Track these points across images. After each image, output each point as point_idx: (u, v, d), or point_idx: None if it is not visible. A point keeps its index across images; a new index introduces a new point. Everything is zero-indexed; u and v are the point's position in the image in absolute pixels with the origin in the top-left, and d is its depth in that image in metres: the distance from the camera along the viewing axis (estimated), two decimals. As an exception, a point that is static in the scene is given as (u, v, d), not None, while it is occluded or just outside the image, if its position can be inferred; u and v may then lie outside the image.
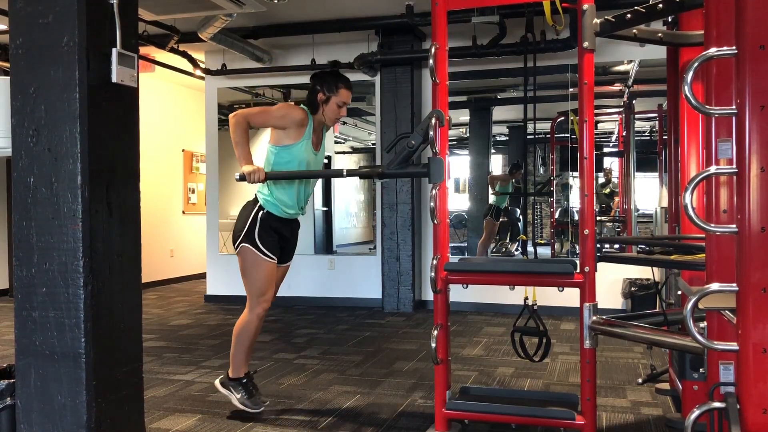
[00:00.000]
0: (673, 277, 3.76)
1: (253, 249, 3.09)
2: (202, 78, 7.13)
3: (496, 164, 7.65)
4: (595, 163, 2.62)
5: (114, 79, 2.31)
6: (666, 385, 3.35)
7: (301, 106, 3.14)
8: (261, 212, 3.11)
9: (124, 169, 2.42)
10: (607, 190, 7.42)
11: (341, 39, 6.39)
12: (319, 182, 7.66)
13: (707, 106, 1.71)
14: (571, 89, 6.15)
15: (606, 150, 7.45)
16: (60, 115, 2.25)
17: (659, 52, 4.50)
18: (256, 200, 3.15)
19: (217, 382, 3.26)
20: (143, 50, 6.27)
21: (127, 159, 2.44)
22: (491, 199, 7.10)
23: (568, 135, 6.62)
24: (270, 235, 3.11)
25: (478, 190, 7.07)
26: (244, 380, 3.17)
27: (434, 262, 2.71)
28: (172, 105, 8.70)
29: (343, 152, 8.35)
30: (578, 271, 2.59)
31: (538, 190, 7.02)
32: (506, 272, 2.83)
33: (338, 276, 6.77)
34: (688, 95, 1.50)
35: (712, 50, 1.54)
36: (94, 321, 2.26)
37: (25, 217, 2.30)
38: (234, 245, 3.14)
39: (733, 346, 1.49)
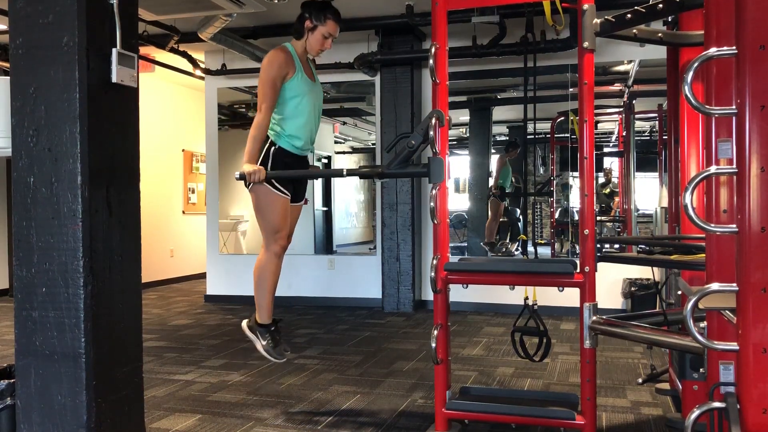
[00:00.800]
0: (673, 277, 3.76)
1: (266, 185, 3.04)
2: (202, 78, 7.13)
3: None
4: (595, 163, 2.62)
5: (114, 79, 2.31)
6: (666, 385, 3.35)
7: (280, 45, 3.12)
8: (273, 147, 3.09)
9: (124, 169, 2.42)
10: (607, 190, 7.42)
11: (341, 39, 6.32)
12: (319, 182, 7.66)
13: (707, 106, 1.71)
14: (571, 89, 6.15)
15: (606, 150, 7.45)
16: (60, 115, 2.25)
17: (659, 52, 4.50)
18: (266, 137, 3.12)
19: (244, 324, 3.21)
20: (143, 50, 6.27)
21: (127, 159, 2.44)
22: (495, 183, 7.07)
23: (568, 135, 6.62)
24: (283, 170, 3.09)
25: (478, 190, 7.07)
26: (272, 328, 3.15)
27: (434, 262, 2.71)
28: (172, 105, 8.70)
29: (343, 152, 8.35)
30: (578, 271, 2.59)
31: (538, 190, 7.02)
32: (506, 272, 2.83)
33: (338, 276, 6.77)
34: (688, 95, 1.50)
35: (712, 50, 1.54)
36: (94, 321, 2.26)
37: (25, 217, 2.30)
38: (246, 184, 3.07)
39: (733, 346, 1.49)
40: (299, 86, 3.10)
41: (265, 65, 3.06)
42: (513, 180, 7.14)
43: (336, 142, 7.92)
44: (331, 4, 3.21)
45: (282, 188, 3.07)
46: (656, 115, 6.35)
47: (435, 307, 2.78)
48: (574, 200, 6.88)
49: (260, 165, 3.03)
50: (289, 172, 3.09)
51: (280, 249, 3.11)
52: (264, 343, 3.13)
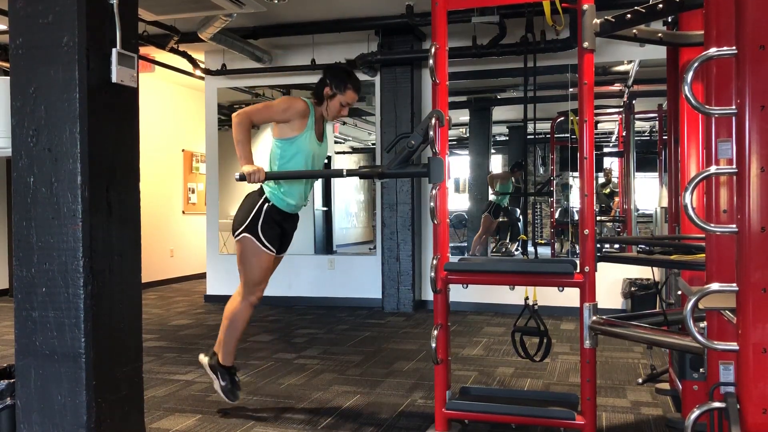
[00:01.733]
0: (673, 277, 3.76)
1: (254, 240, 3.09)
2: (202, 78, 7.13)
3: (496, 164, 7.64)
4: (595, 163, 2.62)
5: (114, 79, 2.31)
6: (666, 385, 3.35)
7: (302, 98, 3.15)
8: (266, 204, 3.11)
9: (124, 169, 2.42)
10: (607, 190, 7.42)
11: (341, 39, 6.40)
12: (319, 182, 7.66)
13: (707, 106, 1.71)
14: (571, 89, 6.15)
15: (606, 150, 7.45)
16: (60, 115, 2.25)
17: (659, 52, 4.50)
18: (261, 191, 3.15)
19: (204, 360, 3.26)
20: (143, 50, 6.27)
21: (127, 159, 2.44)
22: (492, 197, 7.09)
23: (568, 135, 6.62)
24: (272, 227, 3.13)
25: (478, 190, 7.07)
26: (233, 370, 3.21)
27: (434, 262, 2.71)
28: (172, 105, 8.70)
29: (343, 152, 8.34)
30: (578, 271, 2.59)
31: (538, 190, 7.02)
32: (506, 272, 2.83)
33: (338, 276, 6.77)
34: (688, 95, 1.50)
35: (712, 50, 1.54)
36: (94, 321, 2.26)
37: (25, 217, 2.30)
38: (234, 234, 3.14)
39: (733, 346, 1.49)
40: (305, 145, 3.12)
41: (283, 100, 3.14)
42: (507, 204, 7.16)
43: (336, 142, 7.92)
44: (353, 72, 3.24)
45: (269, 245, 3.12)
46: (656, 115, 6.35)
47: (435, 307, 2.78)
48: (574, 200, 6.88)
49: (251, 219, 3.09)
50: (290, 172, 3.10)
51: (256, 300, 3.18)
52: (223, 384, 3.18)
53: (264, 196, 3.13)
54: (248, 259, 3.12)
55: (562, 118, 6.59)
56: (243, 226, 3.10)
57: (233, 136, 3.04)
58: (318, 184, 7.68)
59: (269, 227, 3.11)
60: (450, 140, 2.82)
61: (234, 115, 3.04)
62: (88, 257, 2.24)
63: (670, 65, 3.41)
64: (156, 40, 5.92)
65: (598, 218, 6.90)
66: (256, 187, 3.17)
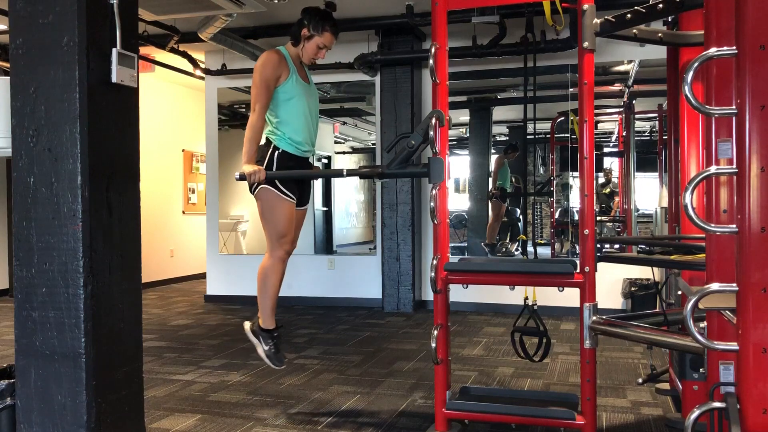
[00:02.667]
0: (673, 277, 3.76)
1: (273, 189, 3.04)
2: (202, 78, 7.13)
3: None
4: (595, 163, 2.62)
5: (114, 79, 2.31)
6: (666, 385, 3.35)
7: (274, 49, 3.13)
8: (276, 151, 3.09)
9: (124, 169, 2.42)
10: (607, 190, 7.42)
11: (341, 39, 6.30)
12: (319, 182, 7.66)
13: (707, 106, 1.71)
14: (571, 89, 6.15)
15: (606, 150, 7.45)
16: (60, 115, 2.25)
17: (659, 52, 4.50)
18: (268, 142, 3.12)
19: (246, 327, 3.21)
20: (143, 50, 6.27)
21: (127, 159, 2.44)
22: (494, 184, 7.07)
23: (568, 135, 6.62)
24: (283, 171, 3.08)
25: (478, 190, 7.07)
26: (275, 333, 3.15)
27: (434, 262, 2.71)
28: (172, 105, 8.70)
29: (343, 152, 8.35)
30: (578, 271, 2.59)
31: (538, 190, 7.02)
32: (506, 272, 2.83)
33: (338, 276, 6.77)
34: (688, 95, 1.50)
35: (712, 50, 1.54)
36: (94, 321, 2.26)
37: (25, 217, 2.30)
38: (251, 189, 3.06)
39: (733, 346, 1.49)
40: (293, 88, 3.11)
41: (258, 67, 3.06)
42: (513, 180, 7.14)
43: (336, 142, 7.92)
44: (332, 15, 3.21)
45: (288, 192, 3.07)
46: (656, 115, 6.35)
47: (435, 307, 2.78)
48: (574, 200, 6.88)
49: (265, 168, 3.03)
50: (290, 173, 3.09)
51: (284, 254, 3.11)
52: (266, 348, 3.13)
53: (272, 144, 3.10)
54: (269, 210, 3.06)
55: (562, 118, 6.59)
56: None
57: (246, 131, 3.01)
58: (318, 184, 7.68)
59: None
60: (450, 140, 2.82)
61: (252, 112, 3.02)
62: (88, 257, 2.24)
63: (670, 65, 3.41)
64: (156, 40, 5.92)
65: (598, 218, 6.90)
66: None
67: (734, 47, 1.49)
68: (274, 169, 3.05)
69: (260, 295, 3.13)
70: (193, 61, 6.57)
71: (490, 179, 7.06)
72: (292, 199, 3.09)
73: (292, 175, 3.09)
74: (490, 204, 6.94)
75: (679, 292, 3.41)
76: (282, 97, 3.10)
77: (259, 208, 3.09)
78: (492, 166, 7.15)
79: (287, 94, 3.10)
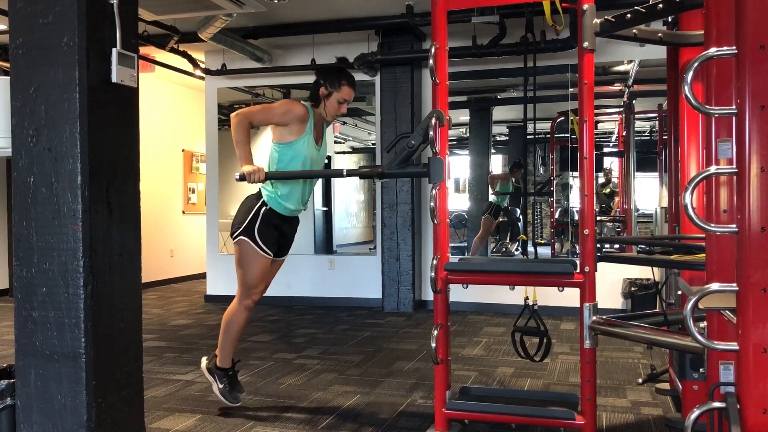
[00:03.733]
0: (673, 277, 3.76)
1: (251, 243, 3.10)
2: (202, 78, 7.13)
3: (496, 164, 7.65)
4: (595, 163, 2.62)
5: (114, 79, 2.31)
6: (666, 385, 3.35)
7: (302, 101, 3.15)
8: (264, 208, 3.12)
9: (124, 169, 2.42)
10: (607, 190, 7.42)
11: (341, 39, 6.39)
12: (319, 181, 7.67)
13: (707, 106, 1.71)
14: (571, 89, 6.15)
15: (606, 150, 7.45)
16: (60, 115, 2.25)
17: (659, 52, 4.50)
18: (259, 195, 3.16)
19: (203, 365, 3.28)
20: (143, 50, 6.27)
21: (127, 159, 2.44)
22: (492, 197, 7.10)
23: (568, 135, 6.62)
24: (270, 231, 3.13)
25: (478, 190, 7.07)
26: (230, 372, 3.23)
27: (434, 262, 2.71)
28: (172, 105, 8.70)
29: (343, 152, 8.35)
30: (578, 271, 2.59)
31: (538, 190, 7.02)
32: (506, 272, 2.83)
33: (338, 276, 6.77)
34: (688, 95, 1.50)
35: (712, 50, 1.54)
36: (94, 321, 2.26)
37: (25, 217, 2.30)
38: (232, 236, 3.15)
39: (733, 346, 1.49)
40: (303, 150, 3.12)
41: (282, 104, 3.11)
42: (507, 203, 7.16)
43: (336, 142, 7.92)
44: (345, 69, 3.24)
45: (266, 248, 3.13)
46: (656, 115, 6.35)
47: (435, 307, 2.78)
48: (574, 200, 6.88)
49: (249, 222, 3.10)
50: (289, 173, 3.10)
51: (251, 303, 3.19)
52: (221, 386, 3.20)
53: (262, 200, 3.13)
54: (245, 262, 3.13)
55: (562, 118, 6.59)
56: (240, 229, 3.11)
57: (232, 136, 3.04)
58: (318, 184, 7.68)
59: (267, 230, 3.12)
60: (450, 140, 2.82)
61: (233, 115, 3.04)
62: (88, 257, 2.24)
63: (670, 65, 3.41)
64: (156, 40, 5.92)
65: (598, 218, 6.90)
66: (255, 189, 3.17)
67: (734, 47, 1.49)
68: (258, 224, 3.10)
69: (222, 337, 3.21)
70: (193, 61, 6.57)
71: (490, 188, 7.07)
72: (269, 255, 3.14)
73: (291, 175, 3.10)
74: (482, 219, 6.94)
75: (679, 292, 3.41)
76: (287, 156, 3.11)
77: (235, 256, 3.17)
78: (493, 167, 7.16)
79: (294, 154, 3.11)
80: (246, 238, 3.10)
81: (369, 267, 6.68)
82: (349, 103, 3.22)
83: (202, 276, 8.29)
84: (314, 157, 3.18)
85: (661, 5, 2.67)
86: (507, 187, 7.19)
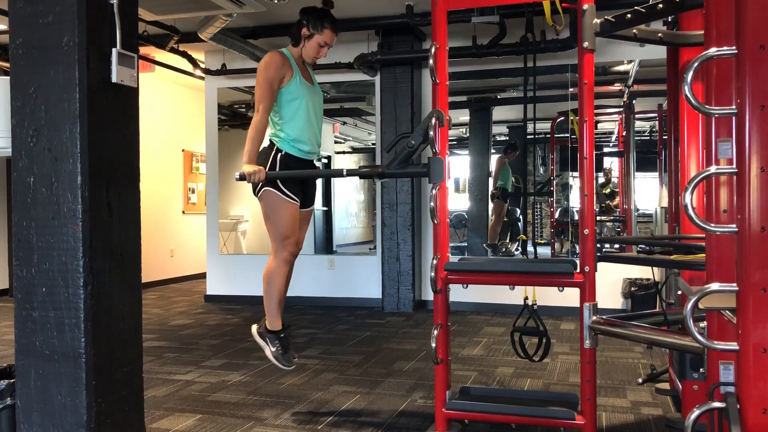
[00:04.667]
0: (673, 277, 3.76)
1: (276, 191, 3.04)
2: (202, 78, 7.13)
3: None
4: (595, 163, 2.62)
5: (114, 79, 2.31)
6: (666, 385, 3.35)
7: (275, 50, 3.13)
8: (279, 153, 3.09)
9: (124, 169, 2.42)
10: (607, 190, 7.42)
11: (341, 39, 6.33)
12: (319, 182, 7.66)
13: (707, 106, 1.71)
14: (571, 89, 6.15)
15: (606, 150, 7.45)
16: (60, 115, 2.25)
17: (659, 52, 4.50)
18: (272, 144, 3.13)
19: (254, 330, 3.22)
20: (143, 50, 6.27)
21: (127, 159, 2.44)
22: (497, 183, 7.08)
23: (568, 135, 6.62)
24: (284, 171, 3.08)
25: (478, 190, 7.07)
26: (282, 334, 3.15)
27: (434, 262, 2.71)
28: (172, 105, 8.70)
29: (343, 152, 8.35)
30: (578, 271, 2.59)
31: (538, 190, 7.02)
32: (506, 272, 2.83)
33: (338, 276, 6.77)
34: (688, 95, 1.50)
35: (712, 50, 1.54)
36: (94, 321, 2.26)
37: (25, 217, 2.30)
38: (254, 192, 3.08)
39: (733, 346, 1.49)
40: (297, 89, 3.11)
41: (261, 67, 3.06)
42: (513, 180, 7.15)
43: (336, 142, 7.92)
44: (330, 12, 3.21)
45: (291, 194, 3.07)
46: (656, 115, 6.35)
47: (435, 307, 2.78)
48: (574, 200, 6.88)
49: (268, 170, 3.04)
50: (290, 173, 3.09)
51: (289, 255, 3.11)
52: (273, 349, 3.13)
53: (275, 147, 3.10)
54: (273, 212, 3.06)
55: (562, 118, 6.59)
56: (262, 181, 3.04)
57: (249, 130, 3.01)
58: (318, 184, 7.68)
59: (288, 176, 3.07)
60: (450, 140, 2.82)
61: (256, 112, 3.02)
62: (88, 257, 2.24)
63: (670, 65, 3.41)
64: (156, 40, 5.92)
65: (598, 218, 6.90)
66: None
67: (734, 47, 1.49)
68: (277, 170, 3.05)
69: (266, 296, 3.14)
70: (193, 61, 6.57)
71: (491, 180, 7.07)
72: (295, 200, 3.09)
73: (292, 175, 3.09)
74: (491, 205, 6.94)
75: (679, 292, 3.41)
76: (285, 99, 3.10)
77: (262, 210, 3.10)
78: (492, 167, 7.16)
79: (291, 96, 3.10)
80: (270, 188, 3.03)
81: (369, 267, 6.68)
82: (329, 47, 3.18)
83: (202, 276, 8.29)
84: (310, 94, 3.15)
85: (661, 5, 2.67)
86: (507, 170, 7.16)
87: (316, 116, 3.22)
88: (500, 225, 7.00)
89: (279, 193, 3.05)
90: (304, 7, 3.18)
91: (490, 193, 6.98)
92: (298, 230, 3.17)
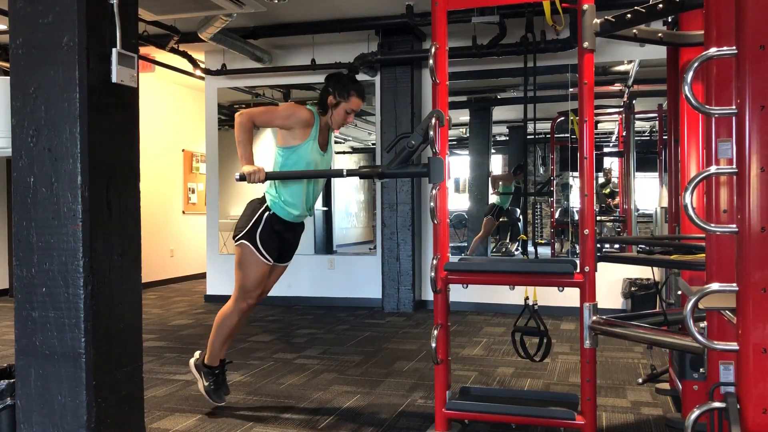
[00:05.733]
0: (673, 277, 3.77)
1: (252, 247, 3.09)
2: (202, 78, 7.13)
3: (496, 164, 7.65)
4: (595, 163, 2.62)
5: (114, 79, 2.31)
6: (666, 385, 3.35)
7: (308, 106, 3.14)
8: (267, 213, 3.11)
9: (124, 169, 2.42)
10: (607, 190, 7.42)
11: (341, 39, 6.39)
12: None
13: (707, 106, 1.71)
14: (571, 89, 6.15)
15: (606, 150, 7.45)
16: (60, 115, 2.25)
17: (659, 52, 4.50)
18: (263, 199, 3.15)
19: (191, 361, 3.28)
20: (143, 50, 6.27)
21: (127, 159, 2.44)
22: (494, 198, 7.10)
23: (568, 135, 6.62)
24: (271, 237, 3.12)
25: (478, 190, 7.07)
26: (217, 371, 3.22)
27: (434, 262, 2.71)
28: (172, 105, 8.70)
29: (343, 152, 8.35)
30: (578, 271, 2.59)
31: (538, 190, 7.02)
32: (506, 272, 2.83)
33: (338, 276, 6.77)
34: (688, 95, 1.50)
35: (712, 50, 1.54)
36: (94, 321, 2.26)
37: (25, 217, 2.30)
38: (234, 238, 3.14)
39: (733, 346, 1.49)
40: (307, 155, 3.10)
41: (287, 107, 3.10)
42: (508, 206, 7.18)
43: (336, 142, 7.92)
44: (355, 78, 3.22)
45: (266, 254, 3.11)
46: (656, 115, 6.35)
47: (435, 307, 2.78)
48: (574, 200, 6.88)
49: (251, 227, 3.08)
50: (292, 173, 3.09)
51: (246, 307, 3.17)
52: (206, 383, 3.21)
53: (266, 204, 3.12)
54: (244, 265, 3.12)
55: (562, 118, 6.60)
56: (242, 233, 3.10)
57: (235, 135, 3.02)
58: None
59: (268, 236, 3.10)
60: (450, 140, 2.82)
61: (237, 114, 3.02)
62: (88, 257, 2.24)
63: (670, 65, 3.41)
64: (156, 40, 5.92)
65: (598, 218, 6.90)
66: (256, 189, 3.16)
67: (734, 47, 1.49)
68: (260, 229, 3.09)
69: (213, 335, 3.21)
70: (193, 61, 6.57)
71: (491, 188, 7.07)
72: (269, 261, 3.13)
73: (292, 175, 3.09)
74: (484, 220, 6.95)
75: (679, 292, 3.41)
76: (291, 161, 3.10)
77: (235, 257, 3.15)
78: (493, 167, 7.16)
79: (298, 158, 3.09)
80: (247, 242, 3.09)
81: (369, 267, 6.68)
82: (356, 113, 3.21)
83: (202, 276, 8.29)
84: (318, 162, 3.15)
85: (661, 5, 2.67)
86: (509, 188, 7.19)
87: (318, 183, 3.24)
88: (485, 241, 7.01)
89: (254, 250, 3.09)
90: (330, 75, 3.19)
91: (489, 201, 7.00)
92: (267, 282, 3.23)
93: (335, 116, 3.16)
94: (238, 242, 3.12)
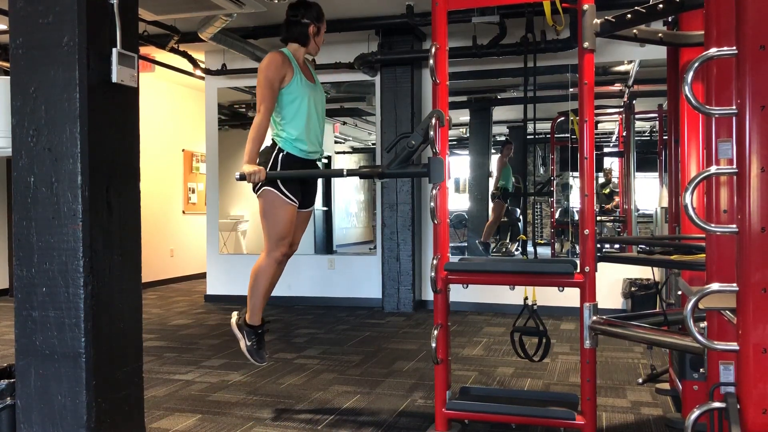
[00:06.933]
0: (673, 277, 3.76)
1: (275, 191, 3.04)
2: (202, 78, 7.13)
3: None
4: (595, 163, 2.62)
5: (114, 79, 2.31)
6: (666, 385, 3.35)
7: (275, 50, 3.13)
8: (281, 153, 3.09)
9: (124, 169, 2.42)
10: (607, 190, 7.42)
11: (341, 39, 6.39)
12: (320, 182, 7.66)
13: (707, 106, 1.71)
14: (571, 89, 6.15)
15: (606, 150, 7.45)
16: (60, 115, 2.25)
17: (659, 52, 4.50)
18: (274, 144, 3.13)
19: (233, 320, 3.24)
20: (143, 50, 6.27)
21: (127, 159, 2.44)
22: (497, 183, 7.09)
23: (568, 135, 6.62)
24: (291, 178, 3.08)
25: (478, 190, 7.07)
26: (260, 330, 3.17)
27: (434, 262, 2.71)
28: (172, 105, 8.70)
29: (343, 152, 8.35)
30: (578, 271, 2.59)
31: (538, 190, 7.02)
32: (506, 272, 2.83)
33: (338, 276, 6.77)
34: (689, 95, 1.50)
35: (713, 50, 1.54)
36: (94, 321, 2.26)
37: (25, 217, 2.30)
38: (254, 189, 3.08)
39: (733, 346, 1.49)
40: (298, 89, 3.10)
41: (262, 68, 3.06)
42: (513, 180, 7.15)
43: (336, 142, 7.92)
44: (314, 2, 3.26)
45: (290, 195, 3.07)
46: (656, 115, 6.35)
47: (435, 307, 2.78)
48: (574, 200, 6.88)
49: (269, 170, 3.03)
50: (290, 173, 3.09)
51: (281, 256, 3.11)
52: (249, 343, 3.17)
53: (277, 147, 3.10)
54: (270, 212, 3.06)
55: (562, 118, 6.59)
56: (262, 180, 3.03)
57: (250, 131, 3.00)
58: (318, 183, 7.68)
59: (288, 177, 3.06)
60: (450, 140, 2.82)
61: (258, 112, 3.02)
62: (88, 257, 2.24)
63: (670, 65, 3.41)
64: (156, 40, 5.92)
65: (598, 218, 6.90)
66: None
67: (734, 47, 1.49)
68: (279, 170, 3.05)
69: (250, 292, 3.15)
70: (193, 61, 6.57)
71: (492, 179, 7.07)
72: (294, 202, 3.09)
73: (292, 175, 3.09)
74: (491, 204, 6.94)
75: (679, 292, 3.41)
76: (287, 99, 3.09)
77: (260, 208, 3.09)
78: (493, 167, 7.16)
79: (292, 95, 3.09)
80: (269, 188, 3.03)
81: (369, 267, 6.68)
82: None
83: (202, 276, 8.29)
84: (312, 93, 3.15)
85: (661, 5, 2.67)
86: (507, 169, 7.16)
87: (318, 116, 3.21)
88: (497, 225, 7.01)
89: (278, 193, 3.04)
90: (298, 6, 3.19)
91: (490, 192, 6.99)
92: (295, 232, 3.17)
93: (317, 42, 3.21)
94: (259, 191, 3.06)
